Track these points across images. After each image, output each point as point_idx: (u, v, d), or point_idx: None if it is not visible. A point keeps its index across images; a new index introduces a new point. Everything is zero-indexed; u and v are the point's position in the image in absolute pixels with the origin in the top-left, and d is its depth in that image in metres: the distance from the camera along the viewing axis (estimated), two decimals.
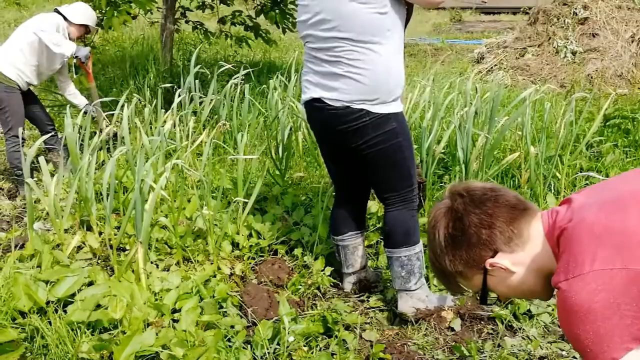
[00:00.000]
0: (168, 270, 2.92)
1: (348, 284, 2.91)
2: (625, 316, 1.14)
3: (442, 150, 3.86)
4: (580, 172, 3.91)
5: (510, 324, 2.60)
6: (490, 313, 2.64)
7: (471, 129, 3.70)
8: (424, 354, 2.42)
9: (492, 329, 2.60)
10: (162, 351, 2.14)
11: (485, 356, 2.36)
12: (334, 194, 2.98)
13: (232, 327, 2.45)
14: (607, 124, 4.81)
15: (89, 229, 3.24)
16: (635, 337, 1.15)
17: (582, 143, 3.91)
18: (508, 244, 1.31)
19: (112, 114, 4.27)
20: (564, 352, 2.40)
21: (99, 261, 3.02)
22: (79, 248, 3.09)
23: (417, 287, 2.65)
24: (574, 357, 2.37)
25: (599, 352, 1.15)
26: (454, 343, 2.47)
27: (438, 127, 3.86)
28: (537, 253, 1.32)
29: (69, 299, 2.45)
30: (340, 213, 2.87)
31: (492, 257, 1.32)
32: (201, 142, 4.06)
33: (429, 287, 2.77)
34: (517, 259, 1.33)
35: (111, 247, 2.91)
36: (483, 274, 1.35)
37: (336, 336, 2.45)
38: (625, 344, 1.14)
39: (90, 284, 2.60)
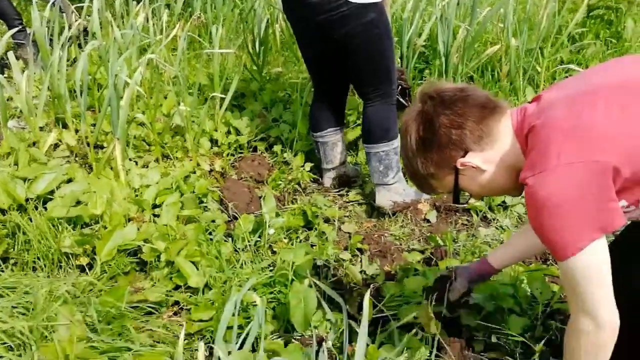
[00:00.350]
0: (147, 167, 2.92)
1: (327, 179, 2.95)
2: (590, 207, 1.17)
3: (423, 44, 3.79)
4: (561, 64, 3.88)
5: (485, 215, 2.68)
6: (466, 205, 2.70)
7: (453, 21, 3.62)
8: (400, 244, 2.50)
9: (467, 220, 2.68)
10: (144, 245, 2.18)
11: (459, 246, 2.44)
12: (312, 89, 2.94)
13: (213, 221, 2.48)
14: (591, 14, 4.71)
15: (65, 126, 3.18)
16: (600, 226, 1.18)
17: (563, 34, 3.86)
18: (478, 143, 1.32)
19: (82, 7, 4.08)
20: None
21: (77, 159, 3.00)
22: (56, 146, 3.05)
23: (394, 181, 2.69)
24: None
25: (565, 244, 1.20)
26: (429, 234, 2.55)
27: (419, 19, 3.76)
28: (507, 150, 1.34)
29: (48, 196, 2.44)
30: (319, 109, 2.85)
31: (463, 157, 1.34)
32: (175, 36, 3.93)
33: (407, 181, 2.81)
34: (487, 157, 1.34)
35: (88, 144, 2.88)
36: (454, 174, 1.37)
37: (316, 229, 2.51)
38: (591, 234, 1.18)
39: (69, 181, 2.58)
